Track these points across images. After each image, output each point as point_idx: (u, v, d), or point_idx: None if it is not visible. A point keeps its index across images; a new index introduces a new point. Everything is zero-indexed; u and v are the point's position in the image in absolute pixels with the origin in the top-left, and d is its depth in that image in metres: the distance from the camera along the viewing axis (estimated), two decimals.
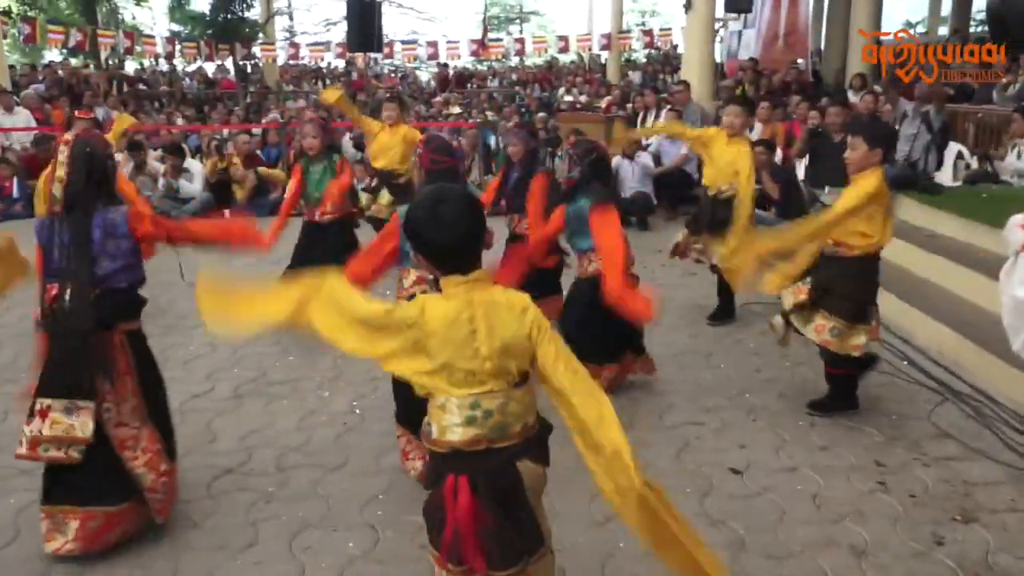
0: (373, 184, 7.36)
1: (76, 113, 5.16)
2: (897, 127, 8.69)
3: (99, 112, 12.05)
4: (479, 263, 2.03)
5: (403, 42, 23.59)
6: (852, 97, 10.96)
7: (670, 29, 21.71)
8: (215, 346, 5.32)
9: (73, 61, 21.70)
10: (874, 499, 3.39)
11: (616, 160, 8.94)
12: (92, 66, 20.47)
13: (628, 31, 22.84)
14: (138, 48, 19.98)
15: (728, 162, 5.38)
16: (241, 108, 16.16)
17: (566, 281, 4.94)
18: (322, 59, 23.23)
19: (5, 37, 15.99)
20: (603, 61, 22.41)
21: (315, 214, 5.65)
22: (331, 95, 7.41)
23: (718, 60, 15.63)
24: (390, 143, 7.02)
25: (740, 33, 16.87)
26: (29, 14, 21.83)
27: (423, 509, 2.11)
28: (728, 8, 13.32)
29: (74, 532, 2.96)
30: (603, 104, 14.69)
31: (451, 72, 21.84)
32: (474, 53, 22.22)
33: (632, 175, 9.31)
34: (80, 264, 2.91)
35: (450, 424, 1.99)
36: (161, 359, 3.33)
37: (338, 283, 2.08)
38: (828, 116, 8.37)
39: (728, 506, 3.35)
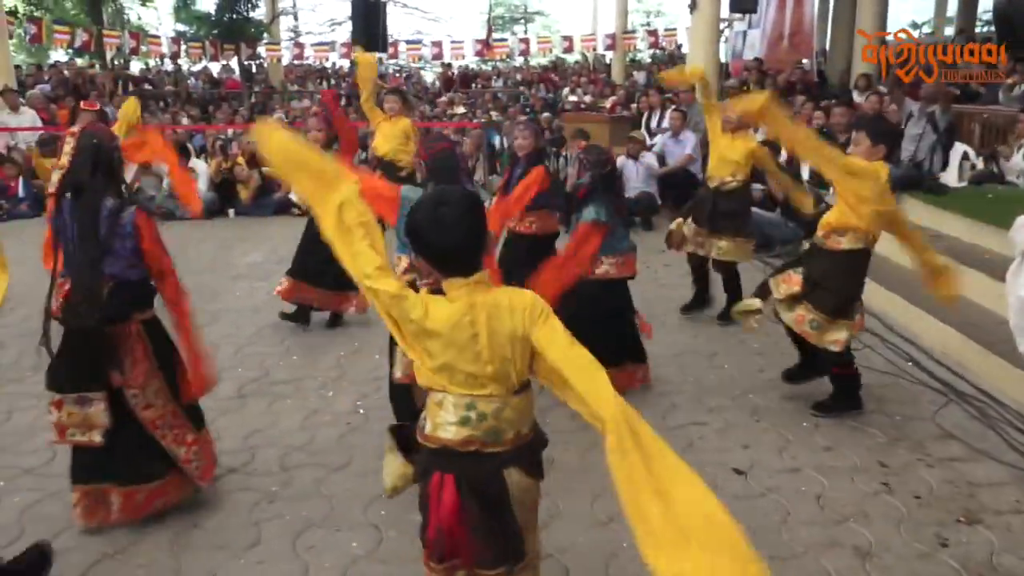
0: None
1: (81, 104, 5.14)
2: (903, 127, 8.68)
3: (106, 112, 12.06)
4: (480, 265, 2.02)
5: (408, 42, 23.59)
6: (857, 97, 10.94)
7: (675, 29, 21.69)
8: (218, 346, 5.33)
9: (79, 61, 21.74)
10: (878, 500, 3.39)
11: (620, 160, 8.93)
12: (98, 66, 20.52)
13: (633, 31, 22.82)
14: (143, 48, 20.03)
15: (735, 155, 5.39)
16: (246, 108, 16.16)
17: None
18: (327, 59, 23.24)
19: (11, 37, 16.04)
20: (608, 61, 22.40)
21: None
22: (366, 58, 7.47)
23: (723, 60, 15.62)
24: (391, 133, 7.22)
25: (745, 33, 16.86)
26: (35, 14, 21.89)
27: (419, 505, 2.12)
28: (733, 8, 13.32)
29: (119, 505, 3.14)
30: (608, 104, 14.67)
31: (454, 73, 21.83)
32: (478, 53, 22.21)
33: (636, 175, 9.30)
34: (85, 258, 2.94)
35: (444, 421, 1.98)
36: None
37: (356, 237, 1.94)
38: (833, 116, 8.37)
39: (731, 507, 3.29)
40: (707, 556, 1.59)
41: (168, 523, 3.23)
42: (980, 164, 8.59)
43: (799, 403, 4.34)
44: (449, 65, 22.34)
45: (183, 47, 20.16)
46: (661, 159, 9.86)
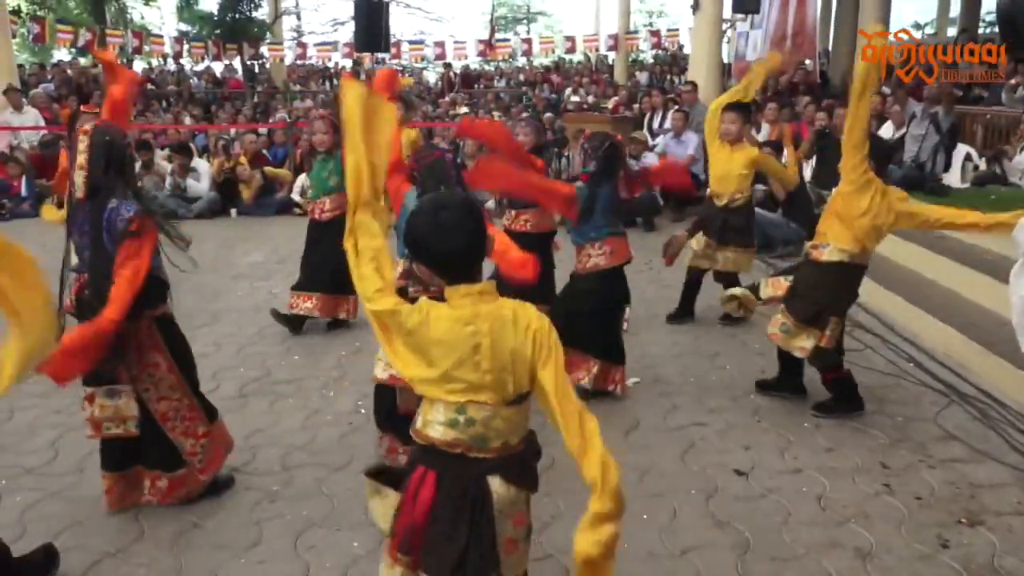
0: None
1: (82, 108, 5.14)
2: (905, 128, 8.67)
3: None
4: (481, 272, 2.00)
5: (410, 42, 23.60)
6: None
7: (677, 30, 21.65)
8: (220, 345, 5.34)
9: (82, 60, 21.78)
10: (879, 501, 3.38)
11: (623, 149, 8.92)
12: (100, 66, 20.52)
13: (635, 32, 22.80)
14: (146, 48, 20.05)
15: (739, 169, 5.37)
16: (248, 108, 16.20)
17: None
18: (329, 59, 23.26)
19: (14, 36, 16.05)
20: (610, 62, 22.39)
21: (316, 212, 5.63)
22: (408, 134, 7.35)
23: (725, 61, 15.60)
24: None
25: (747, 34, 16.83)
26: (38, 13, 21.93)
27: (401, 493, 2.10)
28: (736, 8, 13.30)
29: (149, 487, 3.30)
30: (610, 105, 14.67)
31: (455, 74, 21.84)
32: (481, 53, 22.20)
33: None
34: (95, 254, 2.97)
35: (433, 420, 1.98)
36: None
37: (364, 259, 1.97)
38: (836, 117, 8.36)
39: (733, 507, 3.35)
40: None
41: (169, 522, 3.24)
42: (983, 165, 8.59)
43: (800, 404, 4.34)
44: (449, 65, 22.34)
45: (186, 47, 20.20)
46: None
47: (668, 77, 19.77)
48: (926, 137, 8.19)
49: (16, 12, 20.62)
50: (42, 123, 12.12)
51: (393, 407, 3.46)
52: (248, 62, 19.52)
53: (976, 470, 3.64)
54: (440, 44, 22.17)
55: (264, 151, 11.34)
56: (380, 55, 18.20)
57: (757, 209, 6.45)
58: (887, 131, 9.23)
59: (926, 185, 7.78)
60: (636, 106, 13.44)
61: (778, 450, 3.86)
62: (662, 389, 4.61)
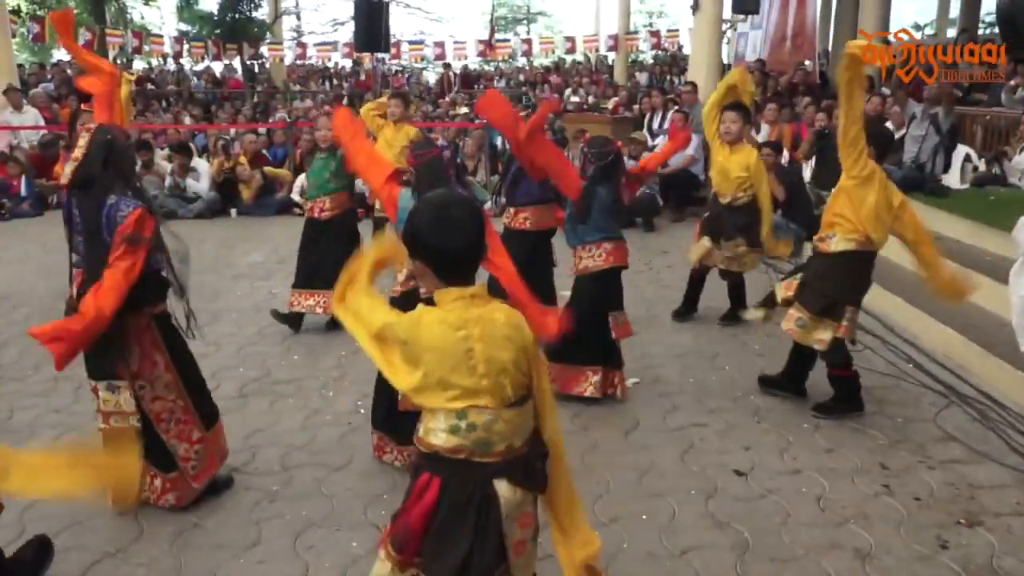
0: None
1: (82, 106, 5.15)
2: (905, 129, 8.68)
3: None
4: (475, 274, 2.00)
5: (410, 42, 23.60)
6: None
7: (677, 30, 21.66)
8: (220, 345, 5.34)
9: None
10: (879, 502, 3.38)
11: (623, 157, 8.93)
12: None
13: (635, 32, 22.82)
14: (146, 47, 20.06)
15: (736, 171, 5.37)
16: (248, 108, 16.20)
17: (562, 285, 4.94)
18: (329, 59, 23.26)
19: (14, 36, 16.05)
20: (610, 62, 22.39)
21: (315, 210, 5.61)
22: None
23: (725, 61, 15.60)
24: (394, 140, 6.98)
25: (747, 34, 16.85)
26: (38, 13, 21.91)
27: (404, 496, 2.09)
28: (735, 9, 13.30)
29: (148, 484, 3.27)
30: (610, 105, 14.68)
31: (453, 75, 21.84)
32: (481, 54, 22.20)
33: None
34: (92, 250, 2.97)
35: (435, 428, 1.96)
36: None
37: (360, 294, 2.06)
38: (835, 118, 8.35)
39: (732, 508, 3.35)
40: None
41: (168, 522, 3.24)
42: (982, 166, 8.59)
43: (800, 405, 4.34)
44: (448, 65, 22.35)
45: (186, 47, 20.20)
46: None
47: (668, 78, 19.77)
48: (926, 138, 8.19)
49: (16, 11, 20.62)
50: (42, 123, 12.12)
51: (392, 406, 3.46)
52: (248, 62, 19.51)
53: (975, 471, 3.64)
54: (440, 44, 22.19)
55: (264, 151, 11.34)
56: (380, 55, 18.19)
57: None
58: None
59: (926, 186, 7.79)
60: (636, 106, 13.44)
61: (778, 451, 3.86)
62: (662, 389, 4.61)
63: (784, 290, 4.26)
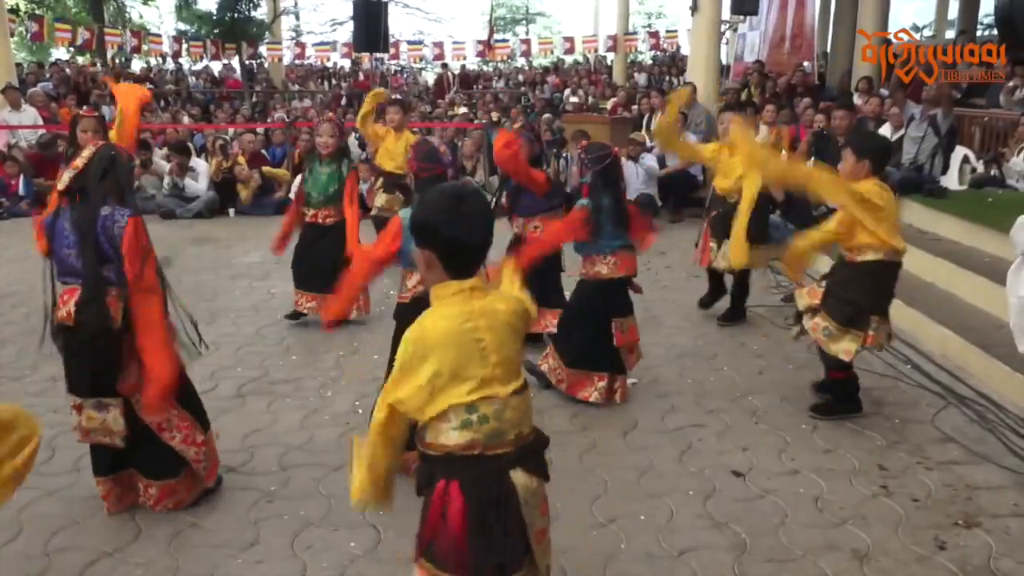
0: (379, 184, 7.37)
1: (82, 111, 5.15)
2: (904, 130, 8.68)
3: (105, 111, 12.08)
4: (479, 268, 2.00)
5: (409, 42, 23.61)
6: (858, 100, 10.94)
7: (676, 31, 21.67)
8: (218, 345, 5.33)
9: (80, 59, 21.78)
10: (876, 503, 3.39)
11: (620, 162, 8.92)
12: (99, 64, 20.54)
13: (634, 33, 22.84)
14: (145, 47, 20.04)
15: (739, 170, 5.37)
16: (247, 107, 16.20)
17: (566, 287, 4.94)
18: (328, 59, 23.27)
19: (13, 35, 16.05)
20: (609, 63, 22.40)
21: (318, 217, 5.64)
22: (374, 99, 7.15)
23: (724, 62, 15.61)
24: (395, 148, 6.93)
25: (745, 35, 16.85)
26: (37, 12, 21.92)
27: (420, 517, 2.05)
28: (734, 10, 13.32)
29: (142, 491, 3.31)
30: (609, 105, 14.68)
31: (452, 74, 21.83)
32: (480, 54, 22.20)
33: (636, 177, 9.30)
34: (86, 262, 2.97)
35: (445, 428, 1.94)
36: None
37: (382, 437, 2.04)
38: (833, 119, 8.36)
39: (730, 509, 3.35)
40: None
41: (166, 522, 3.24)
42: (980, 167, 8.60)
43: (798, 405, 4.34)
44: (446, 66, 22.35)
45: (184, 46, 20.18)
46: (661, 161, 9.86)
47: (667, 78, 19.78)
48: (924, 139, 8.19)
49: (14, 10, 20.63)
50: (40, 122, 12.10)
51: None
52: (246, 62, 19.50)
53: (973, 472, 3.64)
54: (439, 44, 22.18)
55: (262, 151, 11.33)
56: (379, 55, 18.20)
57: None
58: (885, 133, 9.24)
59: (924, 187, 7.79)
60: (635, 107, 13.45)
61: (776, 451, 3.86)
62: (661, 390, 4.61)
63: (808, 298, 4.19)
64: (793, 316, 4.44)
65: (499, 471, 1.96)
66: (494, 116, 13.77)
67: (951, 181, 8.20)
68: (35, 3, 25.12)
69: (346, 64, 23.86)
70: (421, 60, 24.57)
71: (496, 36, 24.66)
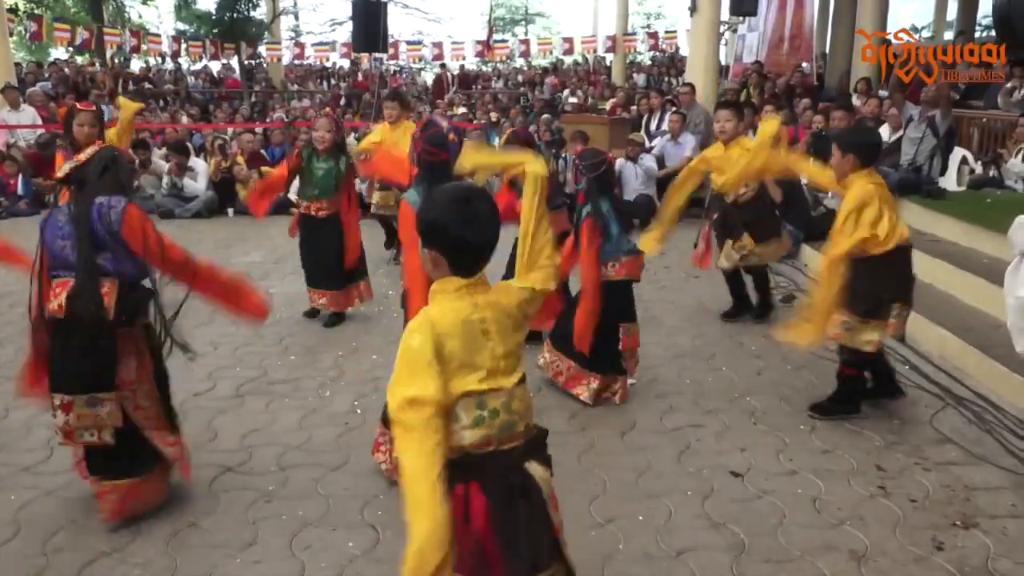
0: (379, 182, 7.38)
1: (78, 105, 5.14)
2: (902, 131, 8.68)
3: (104, 111, 12.08)
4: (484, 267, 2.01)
5: (408, 42, 23.60)
6: (856, 101, 10.95)
7: (675, 32, 21.66)
8: (217, 345, 5.33)
9: (79, 59, 21.76)
10: (874, 503, 3.39)
11: (619, 163, 8.94)
12: (98, 64, 20.55)
13: (633, 33, 22.84)
14: (144, 47, 20.03)
15: (736, 169, 5.36)
16: (246, 107, 16.19)
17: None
18: (327, 59, 23.27)
19: (12, 34, 16.04)
20: (608, 63, 22.41)
21: (312, 209, 5.65)
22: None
23: (723, 63, 15.61)
24: (393, 141, 6.90)
25: (744, 36, 16.86)
26: (36, 12, 21.91)
27: None
28: (733, 11, 13.31)
29: (101, 503, 3.19)
30: (608, 106, 14.68)
31: (450, 76, 21.82)
32: (479, 54, 22.20)
33: (635, 177, 9.31)
34: (82, 254, 2.96)
35: (457, 428, 1.92)
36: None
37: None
38: (832, 120, 8.37)
39: (728, 509, 3.35)
40: None
41: (165, 522, 3.23)
42: (979, 168, 8.61)
43: (797, 406, 4.34)
44: (444, 66, 22.34)
45: (183, 46, 20.18)
46: (660, 161, 9.86)
47: (666, 79, 19.78)
48: (923, 140, 8.20)
49: (13, 10, 20.62)
50: (39, 121, 12.10)
51: None
52: (246, 62, 19.50)
53: (971, 473, 3.65)
54: (438, 45, 22.18)
55: (261, 151, 11.33)
56: (378, 55, 18.20)
57: None
58: (884, 134, 9.25)
59: (923, 188, 7.79)
60: (634, 108, 13.45)
61: (774, 452, 3.86)
62: (659, 390, 4.61)
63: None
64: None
65: (515, 465, 1.97)
66: (493, 116, 13.79)
67: (949, 182, 8.21)
68: (34, 3, 25.12)
69: (345, 64, 23.86)
70: (420, 60, 24.57)
71: (495, 36, 24.65)
